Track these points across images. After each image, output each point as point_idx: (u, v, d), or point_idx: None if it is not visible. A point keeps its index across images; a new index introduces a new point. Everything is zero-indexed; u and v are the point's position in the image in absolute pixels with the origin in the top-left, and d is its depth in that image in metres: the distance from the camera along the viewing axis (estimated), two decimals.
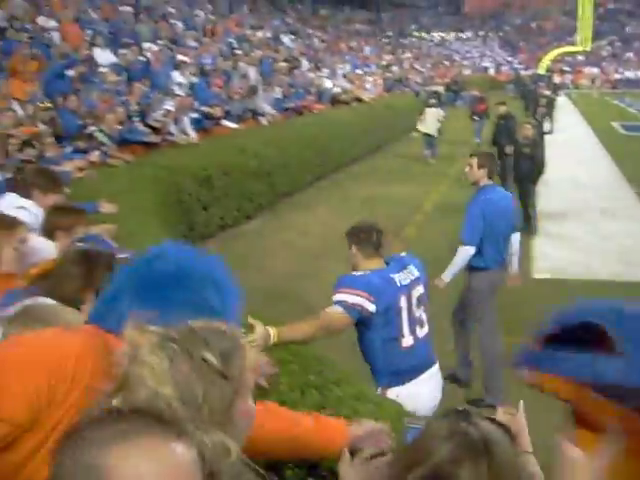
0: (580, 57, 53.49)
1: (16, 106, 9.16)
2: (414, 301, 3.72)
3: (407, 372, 3.70)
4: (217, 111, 13.11)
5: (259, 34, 23.85)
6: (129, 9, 18.63)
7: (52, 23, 14.94)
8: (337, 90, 20.18)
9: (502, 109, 13.84)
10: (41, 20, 14.96)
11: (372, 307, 3.52)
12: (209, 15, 26.28)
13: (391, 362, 3.67)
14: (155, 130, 10.81)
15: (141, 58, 14.46)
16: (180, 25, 20.40)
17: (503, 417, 1.73)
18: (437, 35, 60.55)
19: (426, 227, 11.15)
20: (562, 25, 61.77)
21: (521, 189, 10.75)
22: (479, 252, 5.56)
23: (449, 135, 19.52)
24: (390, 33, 56.00)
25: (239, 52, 19.08)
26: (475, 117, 20.28)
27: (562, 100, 32.67)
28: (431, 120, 17.86)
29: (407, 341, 3.70)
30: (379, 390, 3.58)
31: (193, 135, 11.83)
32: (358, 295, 3.53)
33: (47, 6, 16.41)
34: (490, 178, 5.74)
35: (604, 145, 19.87)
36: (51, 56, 12.75)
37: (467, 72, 46.53)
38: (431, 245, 10.00)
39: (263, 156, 11.88)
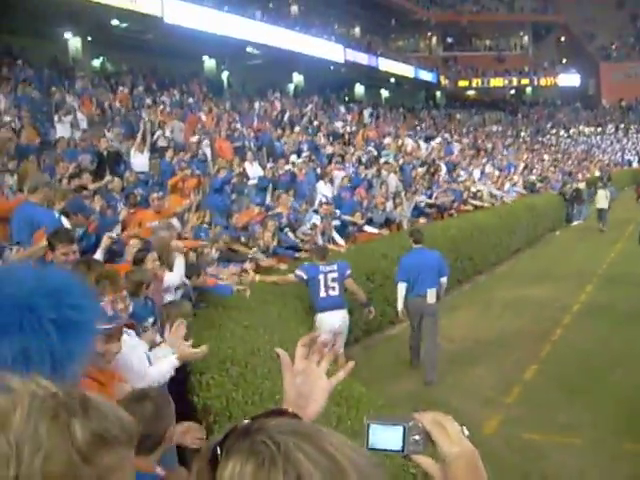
0: None
1: (176, 222, 9.94)
2: (329, 276, 8.13)
3: (320, 308, 8.14)
4: (358, 218, 13.54)
5: (398, 141, 24.57)
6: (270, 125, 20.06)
7: (205, 141, 16.31)
8: (476, 192, 20.26)
9: None
10: (195, 138, 16.39)
11: (305, 277, 8.22)
12: (348, 125, 27.54)
13: (316, 303, 8.20)
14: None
15: (287, 169, 15.36)
16: (321, 136, 21.50)
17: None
18: (575, 131, 59.67)
19: (574, 329, 10.79)
20: None
21: None
22: None
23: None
24: (527, 132, 55.89)
25: (380, 160, 19.76)
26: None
27: None
28: (602, 198, 23.18)
29: (322, 294, 8.12)
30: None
31: (341, 242, 12.28)
32: (300, 271, 8.34)
33: (201, 127, 17.97)
34: None
35: None
36: (207, 171, 13.89)
37: (610, 166, 45.35)
38: (580, 348, 9.71)
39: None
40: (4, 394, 0.97)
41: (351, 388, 4.59)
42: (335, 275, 8.13)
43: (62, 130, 14.56)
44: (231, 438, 1.03)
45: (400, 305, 9.03)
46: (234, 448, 1.01)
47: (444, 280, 9.11)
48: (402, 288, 8.94)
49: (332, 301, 8.06)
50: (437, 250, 9.67)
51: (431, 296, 8.87)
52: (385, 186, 16.58)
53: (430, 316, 8.97)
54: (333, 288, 8.07)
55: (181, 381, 5.27)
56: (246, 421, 1.06)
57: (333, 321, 8.04)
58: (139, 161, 13.30)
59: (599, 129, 60.40)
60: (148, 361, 4.17)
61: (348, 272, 8.34)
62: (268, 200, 13.68)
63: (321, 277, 8.10)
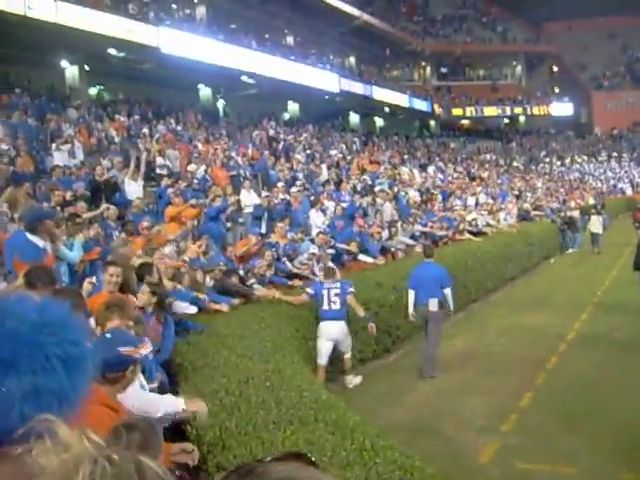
0: None
1: (169, 249, 9.95)
2: (332, 292, 9.44)
3: (324, 318, 9.44)
4: (354, 247, 13.57)
5: (392, 170, 24.70)
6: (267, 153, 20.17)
7: (201, 169, 16.40)
8: (471, 220, 20.34)
9: None
10: (191, 167, 16.47)
11: (312, 292, 9.67)
12: (343, 154, 27.70)
13: (320, 313, 9.50)
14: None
15: (282, 198, 15.38)
16: (316, 164, 21.60)
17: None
18: (569, 159, 60.08)
19: (569, 357, 10.78)
20: None
21: None
22: None
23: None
24: (521, 161, 56.23)
25: (375, 188, 19.84)
26: (636, 224, 25.88)
27: None
28: (595, 223, 24.56)
29: (323, 306, 9.47)
30: None
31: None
32: (309, 288, 9.85)
33: (197, 155, 18.09)
34: None
35: None
36: (203, 199, 13.93)
37: (602, 194, 45.61)
38: (576, 375, 9.69)
39: (400, 289, 12.07)
40: (60, 448, 0.93)
41: (346, 417, 4.58)
42: (338, 291, 9.53)
43: (59, 158, 14.63)
44: (231, 477, 1.01)
45: (410, 309, 10.54)
46: None
47: (447, 291, 10.38)
48: (411, 294, 10.51)
49: (332, 314, 9.46)
50: (441, 266, 10.97)
51: (433, 305, 10.20)
52: (380, 215, 16.65)
53: (434, 322, 10.32)
54: (334, 302, 9.48)
55: None
56: (254, 463, 1.03)
57: (330, 330, 9.46)
58: (133, 189, 13.34)
59: (592, 157, 60.85)
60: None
61: (350, 290, 9.64)
62: (263, 229, 13.71)
63: (325, 292, 9.54)
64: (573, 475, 6.55)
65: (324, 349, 9.42)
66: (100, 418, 2.98)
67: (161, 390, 4.94)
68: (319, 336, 9.45)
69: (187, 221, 11.54)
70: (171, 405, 4.01)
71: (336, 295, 9.51)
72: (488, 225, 20.84)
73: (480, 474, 6.62)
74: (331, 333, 9.47)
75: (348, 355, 9.79)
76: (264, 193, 15.53)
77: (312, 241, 12.90)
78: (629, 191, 51.57)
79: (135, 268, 6.73)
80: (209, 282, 9.13)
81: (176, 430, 5.29)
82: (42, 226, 6.79)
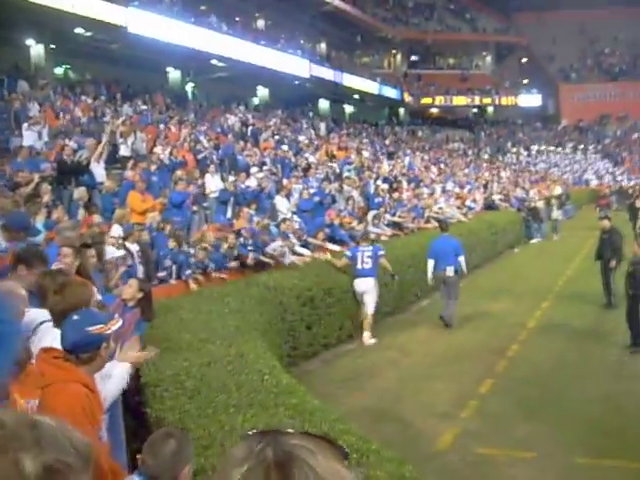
0: None
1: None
2: (365, 254, 11.47)
3: (357, 275, 11.43)
4: (320, 237, 13.60)
5: (360, 157, 24.70)
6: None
7: (167, 152, 16.23)
8: (438, 209, 20.48)
9: (606, 224, 13.64)
10: (157, 150, 16.30)
11: (349, 254, 11.78)
12: (311, 139, 27.64)
13: (354, 272, 11.47)
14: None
15: (248, 184, 15.29)
16: (285, 149, 21.52)
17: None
18: (535, 150, 60.73)
19: (530, 345, 10.95)
20: None
21: (629, 308, 10.37)
22: None
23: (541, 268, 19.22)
24: (488, 150, 56.70)
25: (344, 175, 19.84)
26: (599, 208, 31.11)
27: None
28: (556, 211, 27.30)
29: (358, 265, 11.44)
30: None
31: (307, 253, 12.40)
32: (347, 251, 12.13)
33: (164, 138, 17.91)
34: None
35: None
36: (169, 183, 13.82)
37: (569, 185, 46.23)
38: (535, 363, 9.86)
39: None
40: None
41: (305, 402, 4.61)
42: (370, 254, 11.59)
43: (30, 139, 14.32)
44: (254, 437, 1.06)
45: (430, 275, 12.69)
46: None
47: (461, 259, 12.57)
48: (430, 263, 12.61)
49: (364, 271, 11.49)
50: (455, 238, 13.24)
51: (449, 271, 12.42)
52: (353, 202, 16.68)
53: (451, 285, 12.53)
54: (367, 262, 11.50)
55: (135, 393, 5.24)
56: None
57: (360, 285, 11.55)
58: (97, 172, 13.18)
59: (558, 148, 61.58)
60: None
61: (380, 253, 11.81)
62: (229, 214, 13.65)
63: (359, 254, 11.59)
64: (530, 460, 6.68)
65: (359, 299, 11.66)
66: (78, 397, 3.09)
67: None
68: (354, 289, 11.62)
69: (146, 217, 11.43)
70: (119, 378, 4.08)
71: (369, 257, 11.54)
72: (454, 213, 21.01)
73: (439, 459, 6.72)
74: (361, 287, 11.52)
75: (371, 310, 11.50)
76: (231, 178, 15.42)
77: (277, 227, 12.86)
78: (594, 182, 52.33)
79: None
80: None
81: (136, 412, 5.30)
82: None
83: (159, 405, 4.75)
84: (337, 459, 1.05)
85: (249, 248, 11.18)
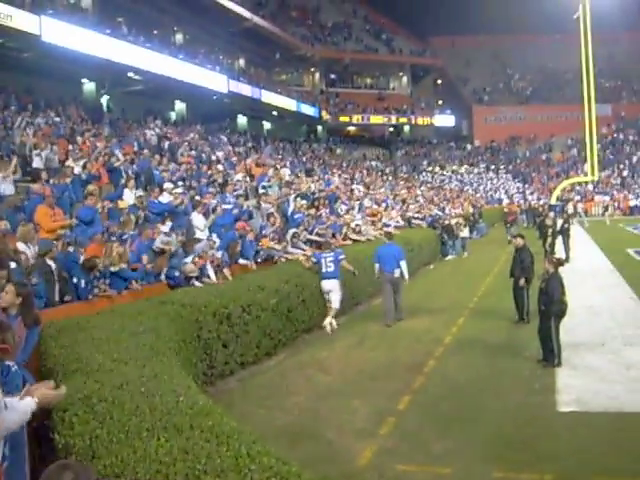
0: (590, 186, 54.55)
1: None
2: (328, 259, 13.59)
3: (322, 277, 13.60)
4: (235, 249, 13.52)
5: (278, 173, 24.63)
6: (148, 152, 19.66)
7: (80, 165, 15.77)
8: (355, 226, 20.63)
9: (519, 242, 13.95)
10: (69, 162, 15.82)
11: (315, 260, 13.89)
12: (230, 157, 27.43)
13: (320, 274, 13.65)
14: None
15: (161, 200, 14.94)
16: (200, 165, 21.23)
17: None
18: (449, 169, 62.28)
19: (446, 360, 11.09)
20: (569, 156, 63.50)
21: (541, 324, 10.62)
22: None
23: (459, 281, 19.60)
24: (404, 169, 57.75)
25: (261, 191, 19.72)
26: (507, 225, 33.09)
27: (575, 228, 33.04)
28: (464, 229, 28.33)
29: (322, 269, 13.60)
30: None
31: (214, 279, 12.19)
32: (313, 258, 14.09)
33: (79, 150, 17.40)
34: None
35: (620, 272, 19.92)
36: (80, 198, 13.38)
37: (481, 204, 47.52)
38: (451, 378, 9.98)
39: (282, 293, 12.06)
40: None
41: (222, 423, 4.47)
42: (332, 259, 13.68)
43: None
44: None
45: (376, 273, 14.61)
46: None
47: (403, 263, 14.41)
48: (376, 266, 14.57)
49: (328, 274, 13.60)
50: (398, 245, 15.37)
51: (396, 273, 14.28)
52: (273, 218, 16.55)
53: (396, 284, 14.41)
54: (330, 266, 13.61)
55: (44, 417, 4.98)
56: None
57: (327, 285, 13.62)
58: (6, 186, 12.66)
59: (471, 168, 63.37)
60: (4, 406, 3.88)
61: (341, 257, 13.98)
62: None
63: (322, 260, 13.66)
64: (448, 475, 6.70)
65: (326, 297, 13.67)
66: None
67: None
68: (322, 288, 13.63)
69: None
70: (22, 411, 3.81)
71: (331, 261, 13.60)
72: (371, 230, 21.22)
73: (358, 477, 6.67)
74: (326, 287, 13.60)
75: (336, 305, 13.63)
76: (138, 193, 14.98)
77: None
78: (505, 201, 54.03)
79: None
80: None
81: (43, 436, 5.03)
82: None
83: (68, 431, 4.50)
84: None
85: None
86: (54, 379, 5.85)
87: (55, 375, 6.05)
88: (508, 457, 6.97)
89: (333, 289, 13.60)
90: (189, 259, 11.91)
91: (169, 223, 13.30)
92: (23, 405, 3.86)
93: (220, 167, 22.58)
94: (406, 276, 14.59)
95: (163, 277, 11.55)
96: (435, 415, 8.40)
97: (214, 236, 13.61)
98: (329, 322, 13.39)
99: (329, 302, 13.65)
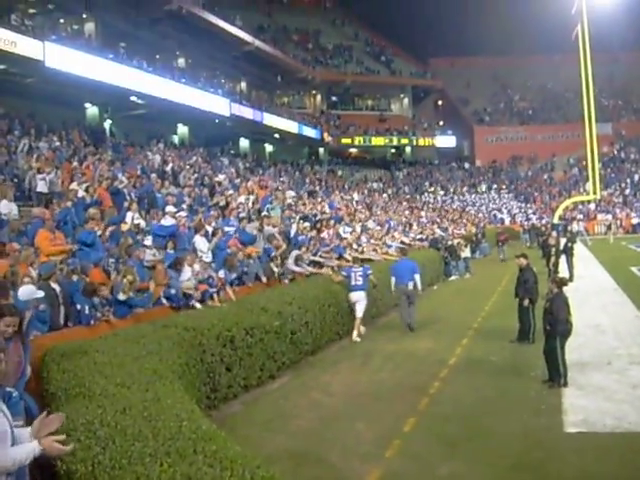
0: (592, 205, 54.49)
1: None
2: (357, 274, 15.04)
3: (351, 290, 15.04)
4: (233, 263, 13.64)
5: (281, 196, 24.68)
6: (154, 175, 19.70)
7: (83, 188, 15.81)
8: (358, 247, 20.61)
9: (522, 262, 13.88)
10: (74, 185, 15.87)
11: (345, 274, 15.34)
12: (231, 178, 27.50)
13: (349, 287, 15.10)
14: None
15: (164, 222, 14.97)
16: (204, 190, 21.26)
17: None
18: (451, 190, 62.31)
19: (451, 382, 11.01)
20: (570, 175, 63.55)
21: (547, 344, 10.55)
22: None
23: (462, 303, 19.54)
24: (406, 190, 57.80)
25: (263, 214, 19.71)
26: (499, 244, 33.53)
27: (578, 247, 32.96)
28: (466, 250, 28.09)
29: (352, 282, 15.03)
30: None
31: (215, 301, 12.20)
32: (343, 271, 15.69)
33: (82, 174, 17.47)
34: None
35: (625, 291, 19.84)
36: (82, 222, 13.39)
37: (484, 223, 47.48)
38: (457, 399, 9.89)
39: (286, 315, 12.01)
40: None
41: (226, 448, 4.42)
42: (361, 273, 15.06)
43: None
44: None
45: (393, 288, 15.92)
46: None
47: (417, 276, 15.81)
48: (393, 279, 15.88)
49: (356, 287, 14.95)
50: (413, 260, 16.90)
51: (410, 285, 15.59)
52: (276, 241, 16.56)
53: (411, 295, 15.66)
54: (359, 280, 14.95)
55: None
56: None
57: (355, 296, 14.91)
58: (7, 209, 12.71)
59: (473, 188, 63.40)
60: (12, 438, 3.82)
61: (369, 272, 15.36)
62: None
63: (352, 274, 15.00)
64: None
65: (353, 307, 14.96)
66: None
67: (29, 420, 4.58)
68: (350, 300, 14.97)
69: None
70: (25, 453, 3.75)
71: (360, 275, 14.95)
72: (375, 252, 21.19)
73: None
74: (354, 298, 14.90)
75: (359, 315, 14.87)
76: (136, 215, 15.01)
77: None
78: (507, 221, 53.98)
79: None
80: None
81: (44, 463, 4.98)
82: None
83: (69, 457, 4.45)
84: None
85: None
86: (55, 405, 5.82)
87: (57, 400, 6.01)
88: (514, 478, 6.89)
89: (360, 300, 14.89)
90: (185, 276, 11.91)
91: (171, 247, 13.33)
92: (28, 448, 3.80)
93: (222, 189, 22.65)
94: (419, 287, 15.99)
95: (164, 300, 11.53)
96: (441, 437, 8.32)
97: (204, 257, 13.64)
98: (357, 330, 14.82)
99: (354, 312, 14.92)
